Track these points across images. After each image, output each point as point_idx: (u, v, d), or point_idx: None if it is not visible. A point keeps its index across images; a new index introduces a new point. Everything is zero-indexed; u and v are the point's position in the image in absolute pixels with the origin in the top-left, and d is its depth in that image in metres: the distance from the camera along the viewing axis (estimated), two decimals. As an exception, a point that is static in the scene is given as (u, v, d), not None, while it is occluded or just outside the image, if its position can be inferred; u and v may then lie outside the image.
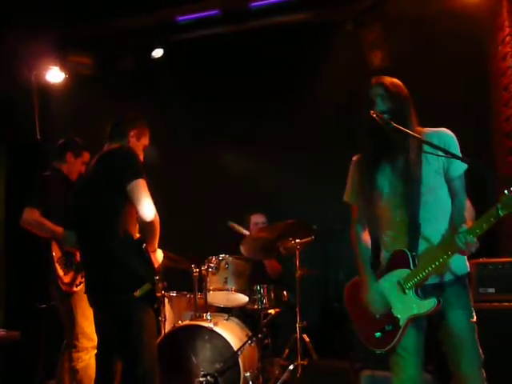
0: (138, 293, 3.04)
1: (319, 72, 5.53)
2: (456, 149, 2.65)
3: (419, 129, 2.70)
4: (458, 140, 2.69)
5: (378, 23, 5.19)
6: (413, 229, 2.63)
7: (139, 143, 3.48)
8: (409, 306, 2.61)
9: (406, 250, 2.62)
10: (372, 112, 2.58)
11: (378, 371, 3.97)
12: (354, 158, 2.92)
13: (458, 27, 4.83)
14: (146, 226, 3.13)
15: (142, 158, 3.45)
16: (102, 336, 3.42)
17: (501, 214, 2.28)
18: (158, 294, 3.18)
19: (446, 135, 2.68)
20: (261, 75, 5.83)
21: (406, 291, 2.61)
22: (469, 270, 2.73)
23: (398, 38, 5.08)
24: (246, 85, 5.88)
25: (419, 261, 2.60)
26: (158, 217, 3.13)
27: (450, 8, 4.75)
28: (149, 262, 3.19)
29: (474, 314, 2.68)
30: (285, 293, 4.95)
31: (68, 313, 4.14)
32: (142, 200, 3.07)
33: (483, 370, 2.64)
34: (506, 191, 2.25)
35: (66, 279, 4.11)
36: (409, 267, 2.60)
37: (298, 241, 4.57)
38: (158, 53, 5.82)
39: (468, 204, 2.71)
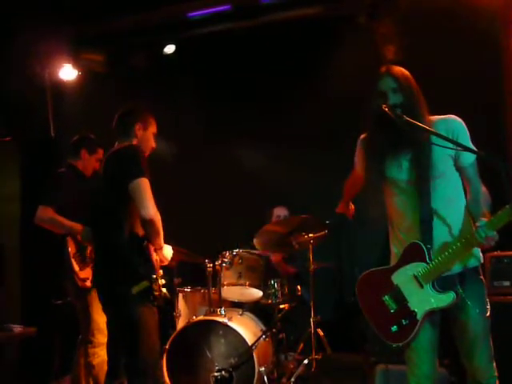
0: (135, 289, 3.10)
1: (331, 67, 5.51)
2: (466, 135, 2.65)
3: (429, 118, 2.69)
4: (471, 132, 2.68)
5: (391, 16, 5.15)
6: (426, 221, 2.62)
7: (147, 133, 3.51)
8: (426, 300, 2.60)
9: (421, 243, 2.61)
10: (384, 106, 2.57)
11: (392, 365, 3.97)
12: (362, 137, 2.92)
13: (470, 20, 4.78)
14: (147, 225, 3.18)
15: (153, 145, 3.55)
16: (110, 331, 3.53)
17: None
18: (157, 293, 3.17)
19: (454, 122, 2.68)
20: (272, 71, 5.82)
21: (423, 285, 2.60)
22: (482, 261, 2.72)
23: (411, 31, 5.04)
24: (258, 80, 5.88)
25: (437, 254, 2.59)
26: (158, 215, 3.18)
27: (462, 1, 4.71)
28: (148, 259, 3.24)
29: (488, 307, 2.67)
30: (299, 287, 4.96)
31: (84, 308, 4.17)
32: (142, 199, 3.12)
33: (494, 363, 2.64)
34: None
35: (82, 274, 4.15)
36: (425, 261, 2.59)
37: (311, 235, 4.57)
38: (170, 49, 5.83)
39: (483, 190, 2.69)
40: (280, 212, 5.45)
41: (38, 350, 5.25)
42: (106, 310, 3.43)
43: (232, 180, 5.87)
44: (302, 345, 4.84)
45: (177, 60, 5.95)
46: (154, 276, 3.18)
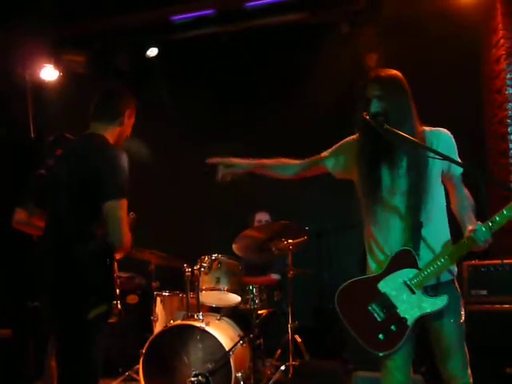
0: (92, 313, 2.71)
1: (314, 72, 5.54)
2: (454, 149, 2.66)
3: (420, 126, 2.68)
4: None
5: (373, 25, 5.19)
6: (416, 228, 2.61)
7: (129, 122, 3.09)
8: (418, 306, 2.58)
9: (412, 250, 2.60)
10: (365, 114, 2.57)
11: (369, 372, 3.98)
12: (349, 140, 2.89)
13: (452, 29, 4.85)
14: (116, 249, 2.78)
15: (128, 136, 3.12)
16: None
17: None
18: (112, 320, 2.79)
19: (444, 135, 2.68)
20: (254, 75, 5.84)
21: (415, 291, 2.59)
22: (455, 274, 2.72)
23: (393, 40, 5.08)
24: (240, 85, 5.89)
25: (433, 260, 2.58)
26: (129, 241, 2.76)
27: (445, 10, 4.76)
28: (112, 280, 2.81)
29: (463, 314, 2.67)
30: (277, 293, 4.95)
31: None
32: (114, 225, 2.69)
33: (469, 371, 2.64)
34: None
35: None
36: (416, 267, 2.59)
37: (290, 241, 4.57)
38: (152, 52, 5.82)
39: (467, 193, 2.72)
40: (261, 217, 5.44)
41: (12, 353, 5.18)
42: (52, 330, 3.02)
43: (214, 184, 5.84)
44: (279, 351, 4.84)
45: (160, 63, 5.94)
46: (114, 302, 2.78)
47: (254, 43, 5.71)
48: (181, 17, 5.33)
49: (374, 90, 2.64)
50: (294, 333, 4.52)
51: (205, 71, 6.01)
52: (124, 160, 2.79)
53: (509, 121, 4.72)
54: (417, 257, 2.59)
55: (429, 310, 2.57)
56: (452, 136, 2.68)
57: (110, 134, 2.96)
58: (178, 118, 6.04)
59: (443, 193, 2.71)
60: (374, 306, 2.66)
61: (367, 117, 2.56)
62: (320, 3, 5.32)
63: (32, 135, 5.97)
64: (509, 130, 4.72)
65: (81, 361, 2.77)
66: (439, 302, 2.57)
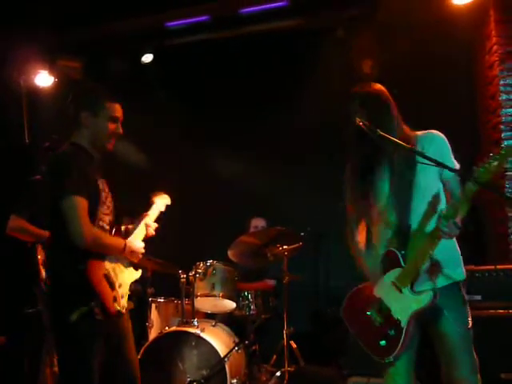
0: (73, 316, 2.72)
1: (309, 78, 5.55)
2: (448, 150, 2.68)
3: (408, 132, 2.71)
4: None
5: (368, 31, 5.21)
6: (403, 229, 2.64)
7: (100, 120, 2.90)
8: (407, 305, 2.58)
9: (395, 250, 2.62)
10: (358, 120, 2.59)
11: (364, 378, 3.98)
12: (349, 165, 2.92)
13: (446, 36, 4.88)
14: (79, 246, 2.76)
15: (117, 131, 2.98)
16: None
17: (473, 188, 2.32)
18: (98, 317, 2.78)
19: (436, 138, 2.70)
20: (250, 81, 5.85)
21: (402, 290, 2.59)
22: (465, 276, 2.73)
23: (388, 46, 5.11)
24: (236, 91, 5.90)
25: (408, 256, 2.60)
26: (92, 234, 2.76)
27: (439, 17, 4.78)
28: (86, 284, 2.78)
29: (469, 320, 2.67)
30: (272, 299, 4.95)
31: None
32: (69, 222, 2.71)
33: (479, 376, 2.63)
34: (477, 166, 2.29)
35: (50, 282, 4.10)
36: (399, 265, 2.61)
37: (285, 247, 4.57)
38: (147, 58, 5.82)
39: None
40: (258, 223, 5.44)
41: (7, 360, 5.16)
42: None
43: (210, 190, 5.86)
44: (274, 357, 4.82)
45: (155, 69, 5.94)
46: (93, 303, 2.75)
47: (248, 49, 5.72)
48: (176, 23, 5.34)
49: (354, 108, 2.69)
50: (289, 339, 4.51)
51: (200, 77, 6.02)
52: (64, 160, 2.82)
53: (502, 127, 4.74)
54: (399, 255, 2.61)
55: (415, 308, 2.56)
56: (444, 137, 2.70)
57: (79, 138, 2.94)
58: (174, 123, 6.04)
59: (443, 195, 2.72)
60: (372, 311, 2.69)
61: (360, 123, 2.58)
62: (315, 9, 5.33)
63: (27, 141, 5.96)
64: (502, 135, 4.74)
65: (69, 364, 2.80)
66: (424, 299, 2.56)
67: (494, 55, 4.69)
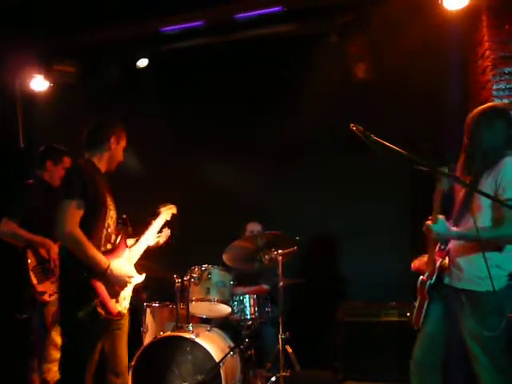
0: (80, 314, 3.07)
1: (303, 83, 5.57)
2: None
3: None
4: (439, 153, 2.73)
5: (362, 35, 5.23)
6: None
7: (119, 146, 3.58)
8: None
9: None
10: (352, 125, 2.61)
11: (359, 382, 3.99)
12: None
13: (438, 41, 4.90)
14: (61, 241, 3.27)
15: (121, 159, 3.61)
16: None
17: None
18: (103, 315, 3.17)
19: None
20: (244, 86, 5.87)
21: None
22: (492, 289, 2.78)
23: (381, 51, 5.13)
24: (230, 96, 5.92)
25: None
26: (73, 234, 3.12)
27: (432, 22, 4.80)
28: (86, 284, 3.16)
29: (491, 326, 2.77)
30: (268, 303, 4.95)
31: (40, 322, 4.13)
32: (57, 219, 3.14)
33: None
34: None
35: (41, 288, 4.12)
36: None
37: (280, 251, 4.58)
38: (143, 63, 5.82)
39: None
40: (253, 228, 5.44)
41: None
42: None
43: (206, 195, 5.86)
44: (270, 362, 4.81)
45: (150, 74, 5.95)
46: (93, 303, 3.12)
47: (243, 54, 5.74)
48: (171, 28, 5.35)
49: None
50: (284, 343, 4.51)
51: (194, 82, 6.03)
52: (73, 173, 3.37)
53: (495, 131, 4.75)
54: None
55: None
56: None
57: (98, 158, 3.48)
58: (169, 128, 6.04)
59: None
60: None
61: (354, 128, 2.59)
62: (309, 15, 5.35)
63: (22, 145, 5.95)
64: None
65: (67, 356, 3.25)
66: None
67: (487, 60, 4.71)
